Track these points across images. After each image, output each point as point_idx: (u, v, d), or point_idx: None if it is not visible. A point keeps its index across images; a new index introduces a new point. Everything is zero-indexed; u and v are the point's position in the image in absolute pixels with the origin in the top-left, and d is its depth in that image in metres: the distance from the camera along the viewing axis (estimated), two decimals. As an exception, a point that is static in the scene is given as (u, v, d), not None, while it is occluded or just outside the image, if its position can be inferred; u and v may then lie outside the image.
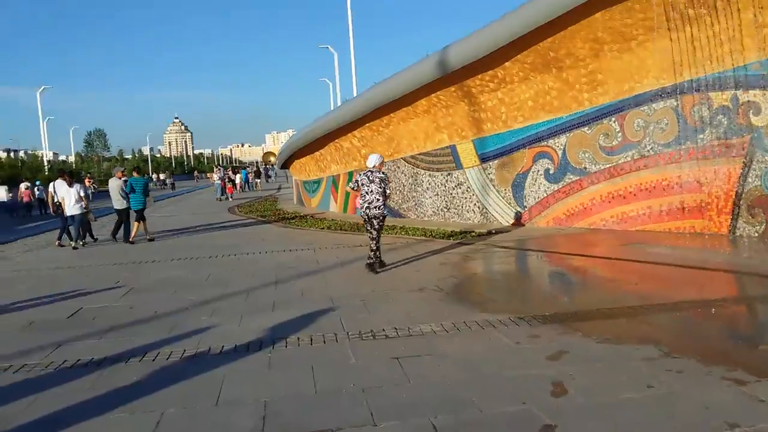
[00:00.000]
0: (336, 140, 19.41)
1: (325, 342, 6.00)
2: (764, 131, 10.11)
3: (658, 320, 6.16)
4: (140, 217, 15.80)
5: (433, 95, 14.76)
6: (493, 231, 13.51)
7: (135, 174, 16.67)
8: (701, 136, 10.99)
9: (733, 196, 10.69)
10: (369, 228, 9.79)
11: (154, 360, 5.74)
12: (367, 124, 17.34)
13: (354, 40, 30.89)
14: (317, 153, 21.85)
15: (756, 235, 10.44)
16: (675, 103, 11.28)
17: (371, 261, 9.71)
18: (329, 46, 39.66)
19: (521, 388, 4.54)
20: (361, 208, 9.77)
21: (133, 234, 15.61)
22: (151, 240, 15.56)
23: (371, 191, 9.59)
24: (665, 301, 6.80)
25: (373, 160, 9.87)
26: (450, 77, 13.77)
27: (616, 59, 11.65)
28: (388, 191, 9.69)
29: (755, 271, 8.04)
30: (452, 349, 5.55)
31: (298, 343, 6.01)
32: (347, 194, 20.68)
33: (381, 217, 9.69)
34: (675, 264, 8.77)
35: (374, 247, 9.71)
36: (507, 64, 12.87)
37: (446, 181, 16.05)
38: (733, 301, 6.99)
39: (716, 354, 4.99)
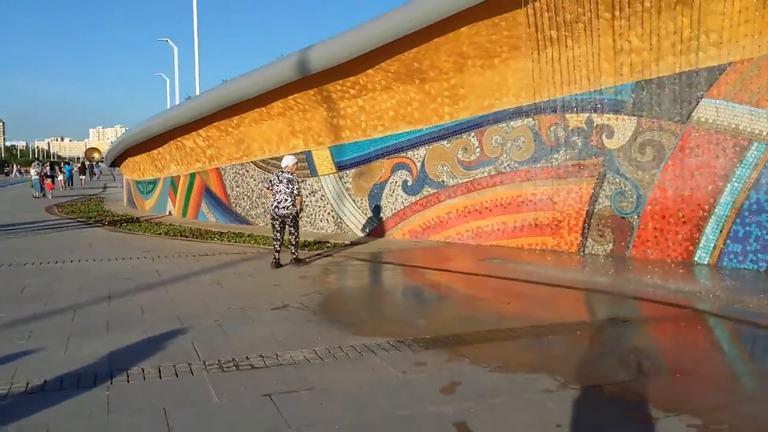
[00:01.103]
0: (178, 138, 17.89)
1: (177, 375, 5.03)
2: (616, 154, 10.53)
3: (541, 344, 5.90)
4: None
5: (290, 97, 13.97)
6: (350, 242, 12.99)
7: None
8: (556, 155, 11.26)
9: (584, 216, 11.04)
10: (276, 226, 10.15)
11: (-51, 403, 4.44)
12: (215, 124, 16.11)
13: (199, 35, 28.96)
14: (155, 151, 20.08)
15: (604, 253, 10.84)
16: (533, 122, 11.47)
17: (276, 259, 10.14)
18: (168, 40, 37.15)
19: (422, 431, 3.96)
20: (271, 207, 10.22)
21: None
22: None
23: (280, 191, 10.04)
24: (540, 322, 6.61)
25: (285, 161, 10.32)
26: (310, 80, 13.08)
27: (479, 75, 11.65)
28: (295, 191, 10.11)
29: (616, 291, 8.16)
30: (333, 381, 4.85)
31: (143, 376, 4.99)
32: (187, 197, 19.19)
33: (290, 217, 10.12)
34: (538, 282, 8.74)
35: (278, 248, 10.17)
36: (370, 71, 12.44)
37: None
38: (604, 323, 6.95)
39: (612, 384, 4.76)
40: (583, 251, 11.08)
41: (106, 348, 5.72)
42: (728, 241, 9.48)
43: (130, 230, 16.12)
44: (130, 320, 6.78)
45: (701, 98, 9.45)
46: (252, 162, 16.39)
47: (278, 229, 10.11)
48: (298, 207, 10.25)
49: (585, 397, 4.46)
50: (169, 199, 20.58)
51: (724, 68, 9.15)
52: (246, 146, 16.23)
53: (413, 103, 12.68)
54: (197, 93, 27.30)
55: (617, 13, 9.63)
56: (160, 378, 4.96)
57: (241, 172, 16.81)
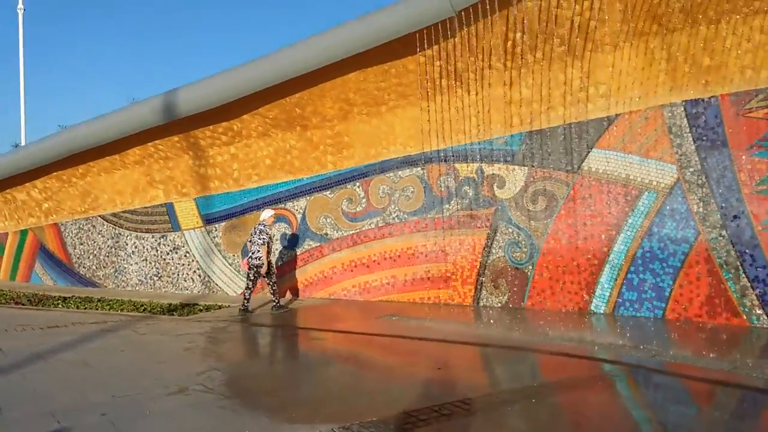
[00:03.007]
0: (7, 191, 15.49)
1: (80, 505, 3.75)
2: (508, 204, 10.46)
3: (504, 416, 5.30)
4: None
5: (150, 144, 12.59)
6: (224, 304, 11.72)
7: None
8: (447, 206, 11.00)
9: (478, 267, 10.80)
10: (250, 276, 10.59)
11: None
12: (56, 173, 14.14)
13: (26, 77, 26.01)
14: (-26, 205, 17.28)
15: (499, 305, 10.62)
16: (421, 172, 11.17)
17: (243, 307, 10.49)
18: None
19: None
20: (249, 258, 10.64)
21: None
22: None
23: (253, 242, 10.55)
24: (486, 390, 6.01)
25: (263, 215, 10.86)
26: (174, 125, 11.87)
27: (365, 123, 11.20)
28: (262, 242, 10.40)
29: (536, 347, 7.83)
30: (294, 493, 3.86)
31: None
32: (17, 257, 16.61)
33: (260, 267, 10.46)
34: (451, 341, 8.17)
35: (247, 296, 10.56)
36: (246, 116, 11.52)
37: (159, 244, 13.74)
38: (552, 386, 6.52)
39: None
40: (478, 303, 10.80)
41: (-40, 472, 4.24)
42: (624, 290, 9.62)
43: (-56, 300, 13.48)
44: (-16, 426, 5.22)
45: (591, 148, 9.66)
46: (100, 216, 14.55)
47: (251, 278, 10.56)
48: (264, 258, 10.48)
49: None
50: (-9, 261, 17.72)
51: (613, 119, 9.44)
52: (93, 198, 14.38)
53: (293, 151, 11.91)
54: (23, 140, 24.34)
55: (509, 63, 9.66)
56: None
57: (85, 228, 14.86)
